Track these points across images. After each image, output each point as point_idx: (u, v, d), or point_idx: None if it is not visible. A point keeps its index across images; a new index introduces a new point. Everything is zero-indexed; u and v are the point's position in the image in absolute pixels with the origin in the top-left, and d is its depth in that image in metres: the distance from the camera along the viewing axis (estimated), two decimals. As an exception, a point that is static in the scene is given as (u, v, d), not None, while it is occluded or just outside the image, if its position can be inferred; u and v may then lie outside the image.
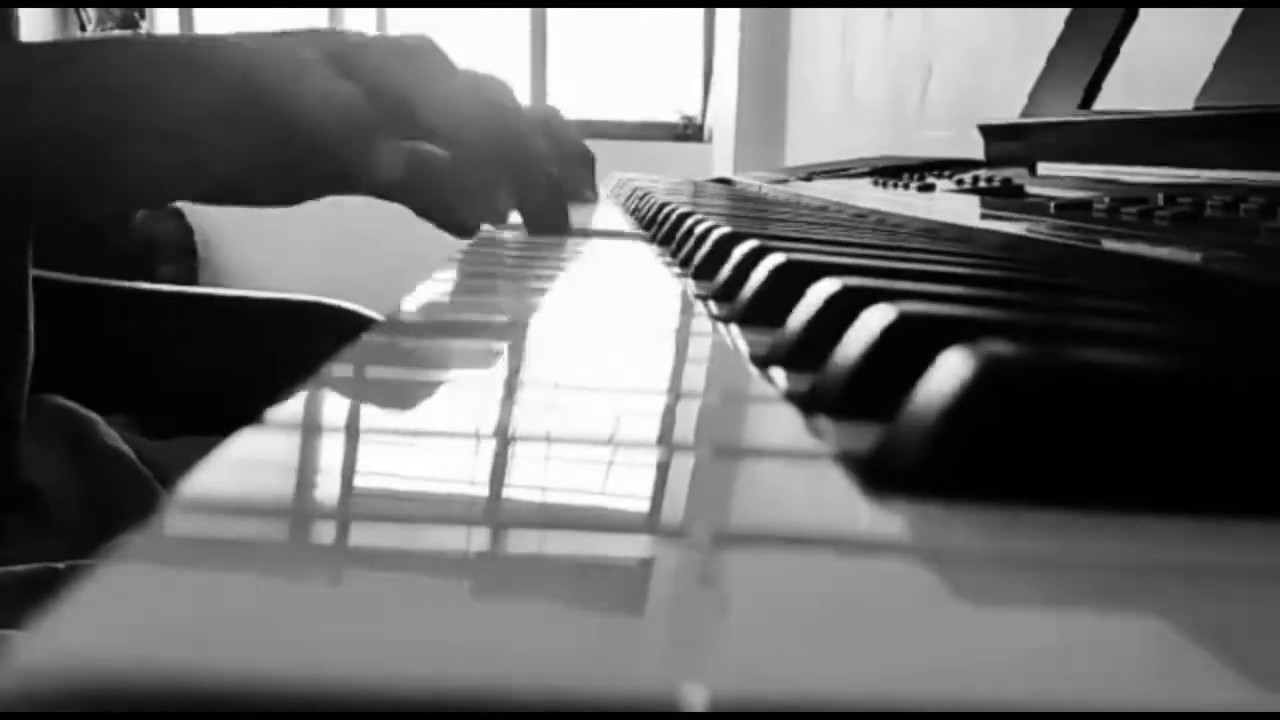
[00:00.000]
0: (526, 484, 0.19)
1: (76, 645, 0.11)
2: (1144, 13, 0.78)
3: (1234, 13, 0.62)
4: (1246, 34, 0.60)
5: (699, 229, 0.53)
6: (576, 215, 0.65)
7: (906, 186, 0.98)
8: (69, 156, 0.50)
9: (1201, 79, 0.62)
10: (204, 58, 0.52)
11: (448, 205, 0.56)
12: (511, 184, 0.58)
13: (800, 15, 2.84)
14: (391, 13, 3.73)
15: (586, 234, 0.64)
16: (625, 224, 0.79)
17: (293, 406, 0.21)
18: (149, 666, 0.10)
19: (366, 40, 0.55)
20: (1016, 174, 0.88)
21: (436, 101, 0.53)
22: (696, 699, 0.11)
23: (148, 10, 3.71)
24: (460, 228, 0.57)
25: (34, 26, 3.35)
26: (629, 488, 0.19)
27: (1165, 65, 0.73)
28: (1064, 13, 0.91)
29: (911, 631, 0.13)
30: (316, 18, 3.60)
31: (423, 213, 0.57)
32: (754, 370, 0.27)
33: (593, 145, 0.85)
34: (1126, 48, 0.79)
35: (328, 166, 0.53)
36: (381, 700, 0.10)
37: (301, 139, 0.51)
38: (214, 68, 0.51)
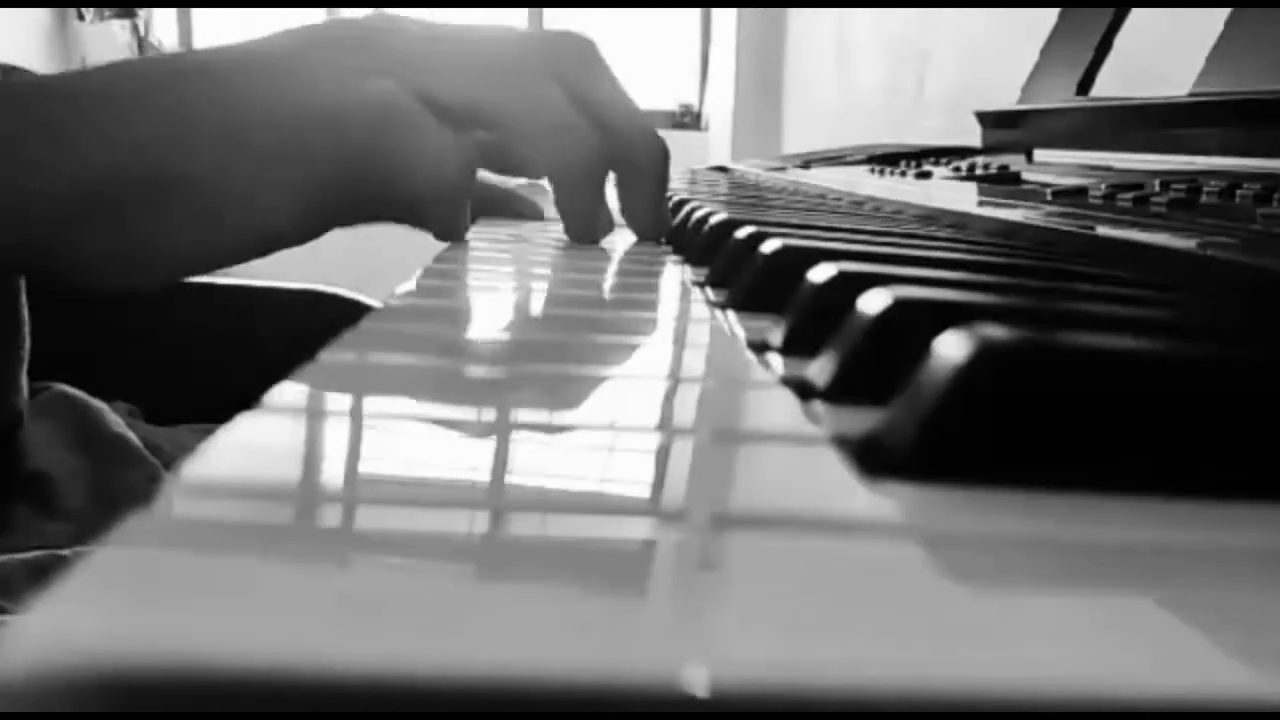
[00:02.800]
0: (528, 468, 0.19)
1: (75, 628, 0.11)
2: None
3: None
4: (1242, 21, 0.60)
5: (696, 215, 0.53)
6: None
7: (904, 174, 0.98)
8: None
9: (1198, 65, 0.62)
10: (257, 99, 0.45)
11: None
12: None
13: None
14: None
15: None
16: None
17: (292, 391, 0.21)
18: (148, 649, 0.10)
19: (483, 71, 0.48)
20: (1013, 161, 0.88)
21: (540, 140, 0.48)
22: (697, 681, 0.11)
23: (146, 10, 3.68)
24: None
25: (29, 20, 3.34)
26: (629, 472, 0.19)
27: (1161, 53, 0.73)
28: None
29: (908, 614, 0.13)
30: (315, 18, 3.57)
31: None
32: (751, 356, 0.27)
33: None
34: (1121, 35, 0.79)
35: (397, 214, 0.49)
36: (383, 682, 0.10)
37: (393, 203, 0.47)
38: (272, 107, 0.44)
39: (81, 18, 3.61)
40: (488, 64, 0.48)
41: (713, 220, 0.48)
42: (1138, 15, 0.79)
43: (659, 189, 0.53)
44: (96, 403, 0.72)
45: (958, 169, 0.90)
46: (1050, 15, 0.92)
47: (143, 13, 3.67)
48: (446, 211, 0.48)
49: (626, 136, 0.51)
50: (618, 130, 0.50)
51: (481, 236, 0.54)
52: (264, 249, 0.47)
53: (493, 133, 0.49)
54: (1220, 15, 0.62)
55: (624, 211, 0.54)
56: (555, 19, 3.78)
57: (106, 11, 3.62)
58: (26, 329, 0.67)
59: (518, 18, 3.71)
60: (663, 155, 0.53)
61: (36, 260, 0.45)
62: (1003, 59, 1.17)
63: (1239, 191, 0.50)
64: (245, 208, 0.45)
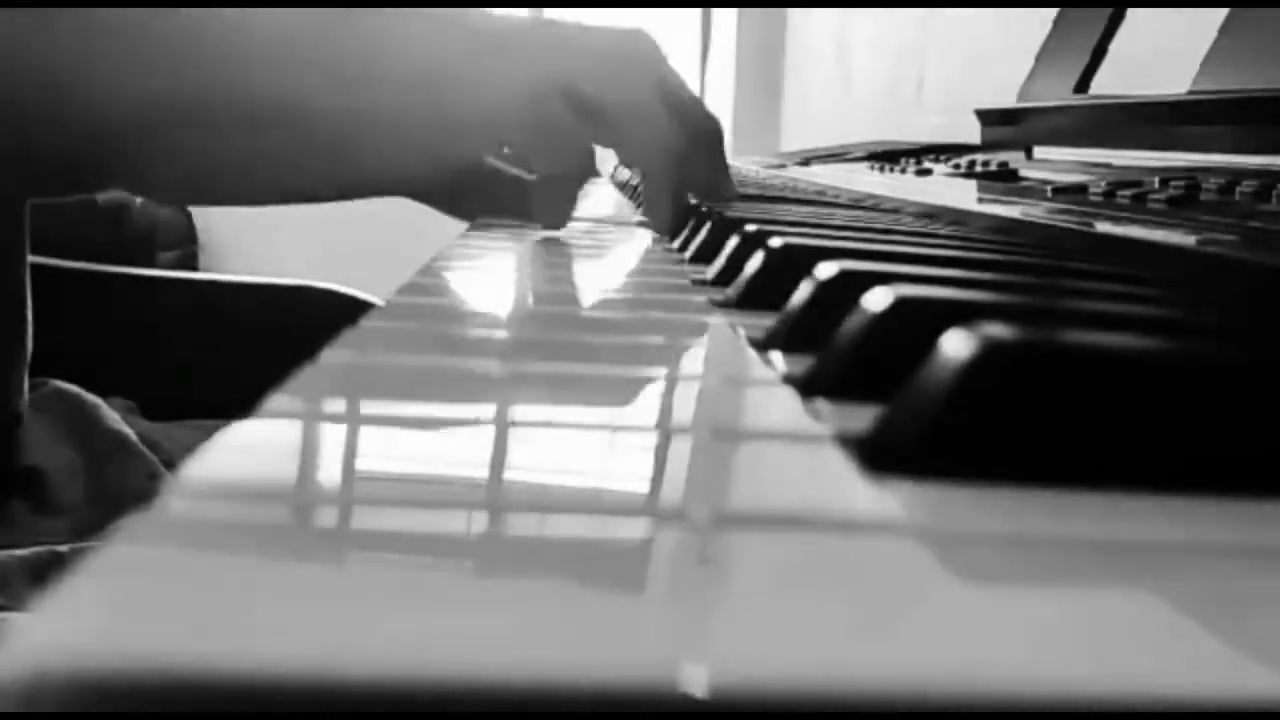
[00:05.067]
0: (527, 466, 0.19)
1: (77, 628, 0.11)
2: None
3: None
4: (1240, 20, 0.60)
5: (697, 213, 0.53)
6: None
7: (904, 171, 0.98)
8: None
9: (1195, 65, 0.62)
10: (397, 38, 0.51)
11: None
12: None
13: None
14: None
15: (587, 219, 0.64)
16: (625, 208, 0.79)
17: (293, 391, 0.21)
18: (149, 649, 0.10)
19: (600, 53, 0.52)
20: (1013, 158, 0.88)
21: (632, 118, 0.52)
22: (696, 681, 0.11)
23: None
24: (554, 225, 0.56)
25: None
26: (629, 470, 0.19)
27: (1159, 52, 0.73)
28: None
29: (912, 612, 0.13)
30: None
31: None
32: (752, 353, 0.27)
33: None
34: (1119, 34, 0.79)
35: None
36: (382, 683, 0.10)
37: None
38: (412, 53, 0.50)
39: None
40: (616, 66, 0.52)
41: (713, 218, 0.48)
42: (1135, 15, 0.79)
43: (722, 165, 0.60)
44: (93, 399, 0.71)
45: (957, 166, 0.90)
46: (1049, 15, 0.92)
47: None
48: (560, 205, 0.53)
49: (694, 128, 0.55)
50: (690, 123, 0.54)
51: (481, 235, 0.54)
52: (377, 190, 0.55)
53: (600, 128, 0.52)
54: (1218, 15, 0.62)
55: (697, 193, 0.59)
56: (556, 17, 3.78)
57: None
58: (30, 330, 0.67)
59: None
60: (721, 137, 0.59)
61: (126, 169, 0.53)
62: (1002, 58, 1.17)
63: (1238, 188, 0.50)
64: (368, 153, 0.51)
